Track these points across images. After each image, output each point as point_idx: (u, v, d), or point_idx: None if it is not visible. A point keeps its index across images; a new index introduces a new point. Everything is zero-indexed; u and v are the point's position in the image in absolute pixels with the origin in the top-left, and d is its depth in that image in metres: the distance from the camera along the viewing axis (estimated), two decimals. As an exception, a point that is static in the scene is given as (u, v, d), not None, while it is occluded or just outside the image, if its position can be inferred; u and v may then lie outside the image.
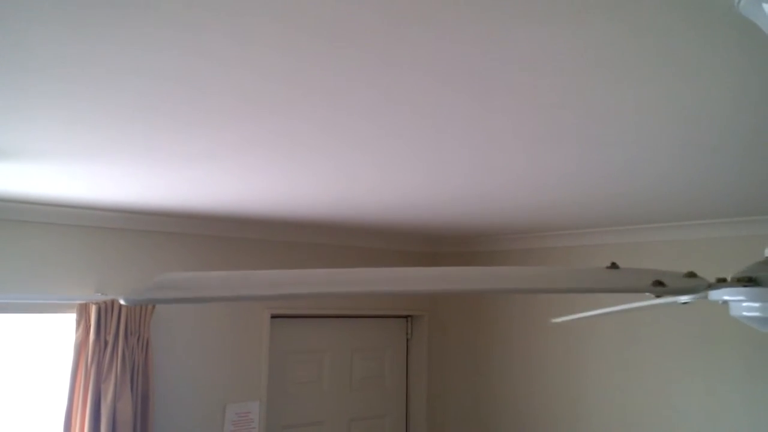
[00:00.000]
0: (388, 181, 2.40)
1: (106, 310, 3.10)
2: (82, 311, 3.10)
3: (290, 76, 1.33)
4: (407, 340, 4.59)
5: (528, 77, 1.32)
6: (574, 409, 3.78)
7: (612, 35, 1.11)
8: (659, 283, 0.85)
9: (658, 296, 0.93)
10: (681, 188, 2.43)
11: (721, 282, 0.91)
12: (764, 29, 0.94)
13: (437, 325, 4.54)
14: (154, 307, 3.26)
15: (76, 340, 3.07)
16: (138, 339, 3.19)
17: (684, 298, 1.20)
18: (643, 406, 3.48)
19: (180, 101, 1.50)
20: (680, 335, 3.36)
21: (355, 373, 4.30)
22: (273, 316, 3.82)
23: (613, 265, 0.96)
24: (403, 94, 1.44)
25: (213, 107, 1.54)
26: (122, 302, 0.79)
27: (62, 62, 1.26)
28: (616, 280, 0.95)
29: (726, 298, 0.93)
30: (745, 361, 3.14)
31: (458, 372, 4.40)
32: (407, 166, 2.15)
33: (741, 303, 0.91)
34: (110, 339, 3.10)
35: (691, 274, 0.91)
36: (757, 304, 0.89)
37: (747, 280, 0.94)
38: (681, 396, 3.34)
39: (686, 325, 3.33)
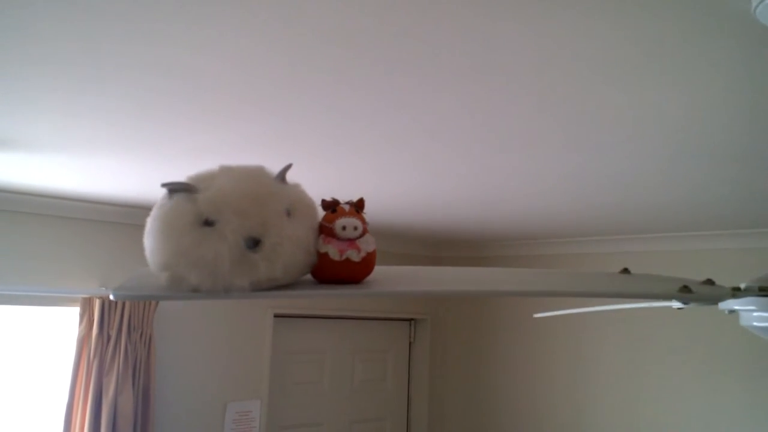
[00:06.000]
0: (388, 182, 2.39)
1: (109, 304, 3.10)
2: (86, 305, 3.10)
3: (292, 76, 1.33)
4: (410, 343, 4.57)
5: (531, 81, 1.31)
6: (577, 415, 3.75)
7: (621, 39, 1.10)
8: (686, 289, 0.85)
9: (684, 303, 0.92)
10: (685, 198, 2.41)
11: (737, 291, 0.89)
12: (782, 36, 0.93)
13: (440, 329, 4.52)
14: (157, 303, 3.26)
15: (79, 333, 3.07)
16: (141, 335, 3.18)
17: (677, 304, 1.18)
18: (647, 415, 3.45)
19: (182, 96, 1.49)
20: (685, 345, 3.33)
21: (356, 374, 4.29)
22: (276, 316, 3.81)
23: (625, 271, 0.95)
24: (403, 96, 1.43)
25: (215, 104, 1.54)
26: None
27: (65, 55, 1.25)
28: (643, 285, 0.94)
29: (736, 307, 0.92)
30: (749, 371, 3.11)
31: (460, 376, 4.38)
32: (408, 167, 2.14)
33: (752, 313, 0.90)
34: (113, 334, 3.09)
35: (709, 282, 0.90)
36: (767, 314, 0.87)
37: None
38: (684, 405, 3.31)
39: (691, 335, 3.30)
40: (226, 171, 0.84)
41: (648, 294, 0.93)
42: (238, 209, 0.78)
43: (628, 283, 0.97)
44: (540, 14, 1.02)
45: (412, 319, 4.55)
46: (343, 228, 0.82)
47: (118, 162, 2.23)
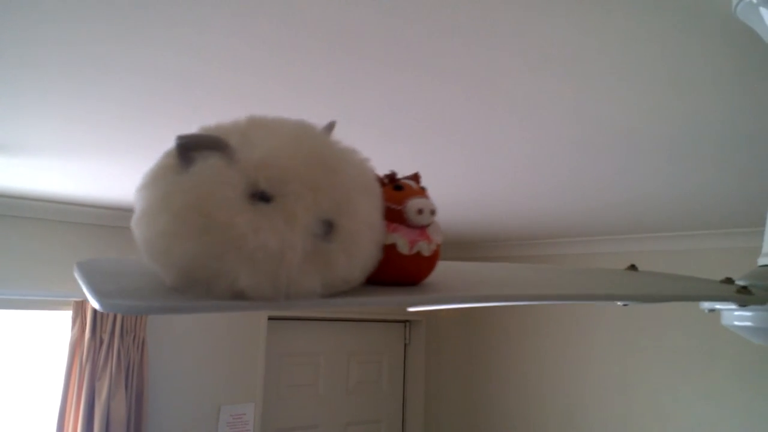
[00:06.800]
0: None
1: (102, 308, 3.09)
2: (78, 309, 3.09)
3: (290, 77, 1.32)
4: (405, 345, 4.57)
5: (529, 81, 1.31)
6: (570, 416, 3.75)
7: (608, 40, 1.10)
8: (745, 290, 0.79)
9: (742, 305, 0.85)
10: (675, 198, 2.41)
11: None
12: (761, 34, 0.93)
13: (435, 331, 4.51)
14: (150, 306, 3.25)
15: (71, 337, 3.06)
16: (134, 338, 3.18)
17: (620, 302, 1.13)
18: (640, 416, 3.45)
19: (178, 100, 1.49)
20: (678, 347, 3.33)
21: (351, 377, 4.28)
22: (270, 318, 3.81)
23: (632, 267, 0.93)
24: (403, 95, 1.43)
25: (212, 106, 1.54)
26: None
27: (60, 59, 1.25)
28: (700, 288, 0.88)
29: (718, 306, 0.91)
30: (741, 374, 3.11)
31: (456, 378, 4.38)
32: (407, 168, 2.14)
33: (733, 312, 0.89)
34: (106, 337, 3.09)
35: (729, 280, 0.86)
36: (749, 314, 0.87)
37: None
38: (677, 407, 3.31)
39: (684, 337, 3.30)
40: (261, 124, 0.57)
41: (707, 296, 0.86)
42: (310, 179, 0.52)
43: (685, 286, 0.90)
44: (537, 15, 1.02)
45: (407, 321, 4.55)
46: (419, 212, 0.60)
47: (112, 165, 2.22)
